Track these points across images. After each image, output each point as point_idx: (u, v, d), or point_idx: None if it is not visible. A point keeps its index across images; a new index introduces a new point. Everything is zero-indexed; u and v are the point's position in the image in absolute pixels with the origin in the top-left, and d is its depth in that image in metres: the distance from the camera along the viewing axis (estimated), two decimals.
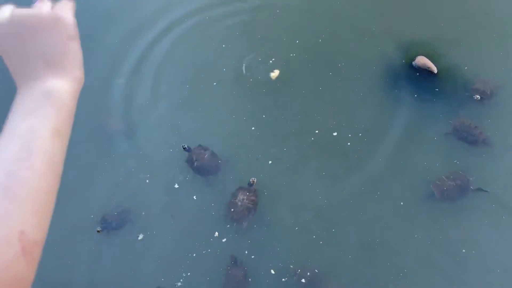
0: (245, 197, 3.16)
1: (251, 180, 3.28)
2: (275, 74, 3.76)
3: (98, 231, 3.24)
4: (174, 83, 3.89)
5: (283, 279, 3.09)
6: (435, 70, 3.76)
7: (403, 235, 3.18)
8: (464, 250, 3.08)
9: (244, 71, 3.79)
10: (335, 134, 3.58)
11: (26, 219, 0.54)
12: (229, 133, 3.63)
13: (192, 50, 4.04)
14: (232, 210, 3.13)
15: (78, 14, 0.71)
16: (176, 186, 3.44)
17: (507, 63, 3.84)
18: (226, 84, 3.86)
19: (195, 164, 3.33)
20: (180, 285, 3.10)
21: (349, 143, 3.54)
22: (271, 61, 3.94)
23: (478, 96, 3.60)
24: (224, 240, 3.19)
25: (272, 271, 3.11)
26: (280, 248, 3.18)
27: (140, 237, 3.27)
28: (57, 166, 0.60)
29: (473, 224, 3.18)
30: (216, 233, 3.24)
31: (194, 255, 3.20)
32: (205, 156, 3.34)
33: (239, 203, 3.13)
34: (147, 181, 3.47)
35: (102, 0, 4.48)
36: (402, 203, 3.27)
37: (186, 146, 3.41)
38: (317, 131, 3.59)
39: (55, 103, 0.62)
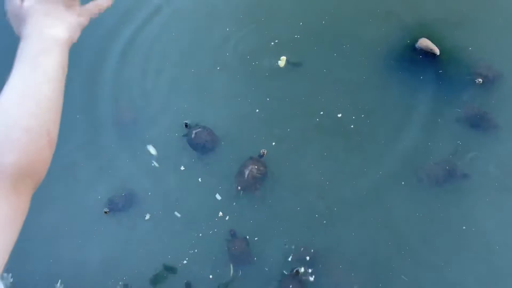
0: (254, 167, 3.31)
1: (261, 151, 3.40)
2: (282, 61, 3.81)
3: (105, 212, 3.39)
4: (179, 67, 3.98)
5: (288, 259, 3.24)
6: (437, 52, 3.80)
7: (405, 213, 3.29)
8: (464, 227, 3.19)
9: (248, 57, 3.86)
10: (339, 115, 3.67)
11: (50, 123, 0.84)
12: (233, 115, 3.73)
13: (195, 33, 4.12)
14: (241, 179, 3.27)
15: None
16: (182, 168, 3.56)
17: (511, 45, 3.87)
18: (230, 68, 3.94)
19: (192, 140, 3.46)
20: (186, 263, 3.27)
21: (352, 126, 3.63)
22: (272, 43, 4.00)
23: (480, 80, 3.66)
24: (227, 218, 3.34)
25: (276, 251, 3.25)
26: (283, 228, 3.32)
27: (147, 217, 3.42)
28: (63, 86, 0.87)
29: (474, 203, 3.28)
30: (220, 213, 3.39)
31: (200, 234, 3.35)
32: (203, 133, 3.47)
33: (248, 173, 3.27)
34: (153, 164, 3.59)
35: None
36: (403, 183, 3.38)
37: (188, 123, 3.54)
38: (321, 113, 3.68)
39: (60, 46, 0.87)
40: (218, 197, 3.39)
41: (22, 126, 0.78)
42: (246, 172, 3.28)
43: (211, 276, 3.22)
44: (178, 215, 3.42)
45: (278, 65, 3.85)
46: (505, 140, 3.51)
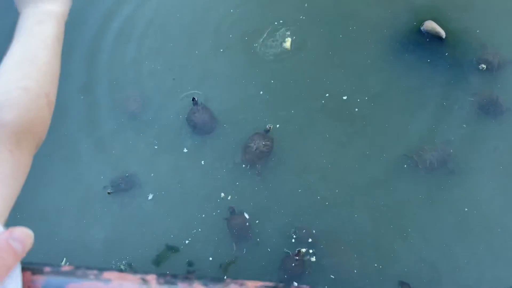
0: (261, 142, 3.38)
1: (267, 126, 3.46)
2: (288, 42, 3.81)
3: (108, 193, 3.46)
4: (183, 49, 3.99)
5: (292, 240, 3.31)
6: (443, 34, 3.78)
7: (407, 196, 3.34)
8: (466, 209, 3.24)
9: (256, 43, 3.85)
10: (344, 98, 3.69)
11: (49, 85, 0.90)
12: (237, 97, 3.76)
13: (199, 14, 4.12)
14: (247, 152, 3.35)
15: None
16: (185, 150, 3.61)
17: None
18: (234, 49, 3.95)
19: (193, 121, 3.53)
20: (188, 243, 3.33)
21: (357, 109, 3.65)
22: (276, 23, 4.00)
23: (483, 66, 3.65)
24: (229, 198, 3.41)
25: (278, 232, 3.32)
26: (285, 210, 3.38)
27: (150, 197, 3.49)
28: (59, 54, 0.94)
29: (478, 185, 3.33)
30: (222, 194, 3.44)
31: (203, 215, 3.41)
32: (203, 115, 3.52)
33: (255, 147, 3.35)
34: (156, 147, 3.64)
35: None
36: (405, 166, 3.42)
37: (196, 98, 3.57)
38: (327, 95, 3.70)
39: (55, 18, 0.95)
40: (221, 192, 3.43)
41: (21, 86, 0.84)
42: (254, 146, 3.35)
43: (211, 258, 3.30)
44: (180, 195, 3.48)
45: (284, 47, 3.85)
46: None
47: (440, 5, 3.97)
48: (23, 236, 0.71)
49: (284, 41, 3.86)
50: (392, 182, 3.40)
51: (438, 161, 3.32)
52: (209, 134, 3.54)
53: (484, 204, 3.25)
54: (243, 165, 3.44)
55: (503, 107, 3.54)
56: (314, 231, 3.28)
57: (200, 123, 3.49)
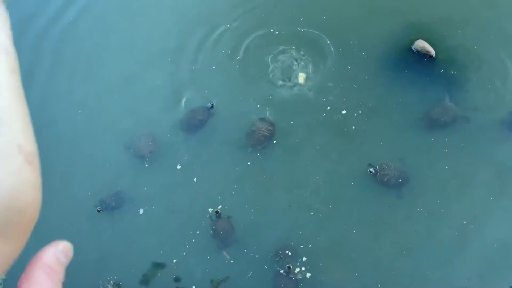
0: (263, 126, 3.69)
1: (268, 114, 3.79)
2: (301, 77, 3.97)
3: (98, 211, 3.58)
4: (183, 64, 4.16)
5: (281, 257, 3.38)
6: (433, 53, 3.96)
7: (405, 211, 3.45)
8: (465, 222, 3.36)
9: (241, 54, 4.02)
10: (344, 112, 3.84)
11: (19, 135, 0.66)
12: (236, 112, 3.90)
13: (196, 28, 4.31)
14: (251, 136, 3.67)
15: None
16: (179, 167, 3.72)
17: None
18: (234, 63, 4.12)
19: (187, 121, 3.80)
20: (175, 262, 3.42)
21: (354, 127, 3.77)
22: (276, 32, 4.21)
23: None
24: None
25: (271, 250, 3.40)
26: (278, 224, 3.47)
27: (141, 211, 3.60)
28: (20, 89, 0.73)
29: (476, 198, 3.44)
30: (210, 209, 3.55)
31: (193, 232, 3.51)
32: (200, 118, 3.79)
33: (258, 131, 3.67)
34: (146, 165, 3.74)
35: None
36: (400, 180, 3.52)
37: (211, 104, 3.81)
38: (328, 108, 3.86)
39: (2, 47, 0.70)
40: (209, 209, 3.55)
41: None
42: (257, 131, 3.66)
43: (201, 275, 3.38)
44: (171, 213, 3.58)
45: (299, 82, 3.99)
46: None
47: (436, 21, 4.16)
48: (67, 249, 0.70)
49: (299, 76, 4.01)
50: (390, 197, 3.50)
51: (396, 178, 3.47)
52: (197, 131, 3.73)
53: (481, 218, 3.36)
54: (251, 148, 3.69)
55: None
56: (310, 245, 3.37)
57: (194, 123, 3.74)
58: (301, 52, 4.10)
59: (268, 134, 3.69)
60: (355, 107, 3.84)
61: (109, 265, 3.46)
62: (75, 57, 4.24)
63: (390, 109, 3.84)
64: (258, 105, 3.90)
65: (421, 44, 4.01)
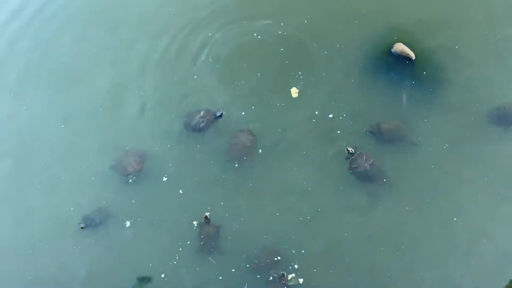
0: (244, 137, 3.77)
1: (252, 126, 3.88)
2: (294, 92, 4.03)
3: (82, 228, 3.58)
4: (171, 75, 4.22)
5: (277, 258, 3.41)
6: (413, 56, 4.07)
7: (395, 212, 3.50)
8: (455, 219, 3.44)
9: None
10: (330, 116, 3.91)
11: None
12: (222, 120, 3.96)
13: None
14: (233, 148, 3.73)
15: None
16: (165, 179, 3.74)
17: (492, 43, 4.15)
18: (216, 71, 4.18)
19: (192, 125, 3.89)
20: (164, 276, 3.41)
21: (339, 131, 3.85)
22: (259, 36, 4.30)
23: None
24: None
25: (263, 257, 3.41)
26: (267, 236, 3.49)
27: (128, 224, 3.60)
28: None
29: (464, 195, 3.53)
30: (195, 222, 3.57)
31: (188, 242, 3.52)
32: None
33: (240, 142, 3.74)
34: (130, 181, 3.74)
35: None
36: (385, 180, 3.61)
37: (221, 113, 3.92)
38: (317, 113, 3.93)
39: None
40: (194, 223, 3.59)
41: None
42: (239, 142, 3.74)
43: (192, 286, 3.40)
44: (157, 225, 3.60)
45: (292, 96, 4.04)
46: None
47: (416, 23, 4.26)
48: None
49: (291, 91, 4.07)
50: (380, 200, 3.57)
51: (367, 172, 3.58)
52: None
53: (470, 214, 3.45)
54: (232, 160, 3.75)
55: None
56: (302, 251, 3.40)
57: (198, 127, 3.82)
58: (286, 61, 4.18)
59: (249, 144, 3.76)
60: (340, 110, 3.93)
61: (97, 282, 3.45)
62: (57, 71, 4.27)
63: (374, 112, 3.91)
64: (243, 113, 3.95)
65: (400, 47, 4.11)
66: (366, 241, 3.45)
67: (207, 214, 3.52)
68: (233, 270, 3.43)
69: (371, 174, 3.58)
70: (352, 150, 3.67)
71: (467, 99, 3.90)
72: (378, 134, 3.74)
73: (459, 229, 3.42)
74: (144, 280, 3.42)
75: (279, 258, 3.40)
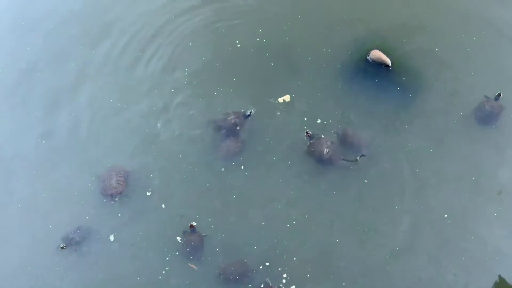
0: (232, 144, 3.91)
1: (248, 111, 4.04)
2: (287, 98, 4.13)
3: (62, 248, 3.53)
4: (155, 90, 4.26)
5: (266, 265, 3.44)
6: (389, 63, 4.21)
7: (386, 214, 3.59)
8: (446, 215, 3.57)
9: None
10: (318, 121, 4.02)
11: None
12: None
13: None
14: (222, 148, 3.88)
15: None
16: (148, 194, 3.75)
17: (468, 44, 4.37)
18: (198, 84, 4.24)
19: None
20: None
21: (323, 135, 3.94)
22: (239, 45, 4.42)
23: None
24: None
25: (254, 265, 3.44)
26: (257, 245, 3.51)
27: (112, 238, 3.58)
28: None
29: (453, 194, 3.67)
30: (178, 238, 3.57)
31: (177, 253, 3.51)
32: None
33: (227, 147, 3.88)
34: (117, 199, 3.72)
35: None
36: (366, 180, 3.74)
37: (250, 112, 4.01)
38: (305, 119, 4.03)
39: None
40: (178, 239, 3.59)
41: None
42: (229, 121, 3.93)
43: None
44: (141, 239, 3.59)
45: (285, 101, 4.14)
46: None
47: (395, 28, 4.46)
48: None
49: (284, 98, 4.16)
50: (370, 201, 3.67)
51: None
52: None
53: (458, 212, 3.58)
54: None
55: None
56: (294, 259, 3.44)
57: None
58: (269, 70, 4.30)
59: (236, 150, 3.90)
60: (327, 116, 4.04)
61: None
62: (36, 87, 4.28)
63: (360, 117, 4.04)
64: (233, 120, 4.02)
65: (376, 54, 4.24)
66: (359, 245, 3.51)
67: (193, 223, 3.54)
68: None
69: (329, 156, 3.77)
70: (310, 133, 3.88)
71: (449, 101, 4.06)
72: (342, 137, 3.91)
73: (449, 228, 3.53)
74: None
75: (253, 271, 3.44)
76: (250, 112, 4.03)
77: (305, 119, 4.02)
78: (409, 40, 4.39)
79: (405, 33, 4.43)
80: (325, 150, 3.77)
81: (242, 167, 3.82)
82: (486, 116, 3.95)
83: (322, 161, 3.79)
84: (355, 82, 4.19)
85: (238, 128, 3.95)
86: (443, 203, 3.63)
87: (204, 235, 3.55)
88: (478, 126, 3.96)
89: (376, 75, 4.21)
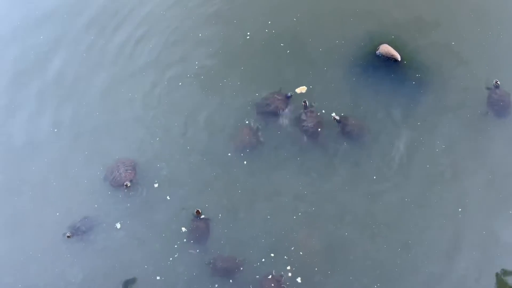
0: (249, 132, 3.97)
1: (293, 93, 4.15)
2: (303, 89, 4.20)
3: (68, 237, 3.64)
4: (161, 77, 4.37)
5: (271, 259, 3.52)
6: (398, 57, 4.21)
7: (397, 208, 3.64)
8: (460, 209, 3.60)
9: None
10: (333, 114, 4.04)
11: None
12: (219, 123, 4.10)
13: None
14: (237, 139, 3.96)
15: None
16: (156, 185, 3.84)
17: (484, 38, 4.35)
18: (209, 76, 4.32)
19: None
20: (159, 278, 3.50)
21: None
22: (248, 37, 4.48)
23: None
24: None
25: (259, 254, 3.53)
26: (265, 237, 3.59)
27: (118, 226, 3.69)
28: None
29: (467, 189, 3.68)
30: (183, 228, 3.67)
31: (184, 242, 3.62)
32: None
33: (245, 136, 3.96)
34: (129, 186, 3.81)
35: None
36: (375, 177, 3.78)
37: (292, 93, 4.10)
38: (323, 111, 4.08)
39: None
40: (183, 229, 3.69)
41: None
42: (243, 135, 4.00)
43: None
44: (148, 227, 3.69)
45: (302, 93, 4.20)
46: None
47: (410, 21, 4.46)
48: None
49: (301, 89, 4.23)
50: (381, 195, 3.71)
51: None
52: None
53: (471, 207, 3.60)
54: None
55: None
56: (300, 255, 3.51)
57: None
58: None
59: (254, 140, 3.97)
60: (342, 110, 4.07)
61: (94, 287, 3.52)
62: (49, 76, 4.40)
63: (373, 111, 4.07)
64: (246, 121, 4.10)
65: (385, 49, 4.26)
66: (369, 239, 3.55)
67: (198, 209, 3.65)
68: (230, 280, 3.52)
69: (314, 130, 3.92)
70: (308, 103, 4.01)
71: (464, 96, 4.06)
72: (342, 125, 3.96)
73: (460, 222, 3.56)
74: (140, 281, 3.51)
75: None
76: (291, 94, 4.12)
77: (323, 111, 4.06)
78: (424, 34, 4.40)
79: (419, 27, 4.43)
80: (310, 122, 3.89)
81: (250, 160, 3.89)
82: (499, 107, 3.97)
83: (308, 134, 3.92)
84: (370, 76, 4.22)
85: (281, 111, 4.03)
86: (456, 198, 3.66)
87: (208, 219, 3.65)
88: (494, 119, 3.97)
89: (390, 69, 4.23)
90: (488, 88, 4.06)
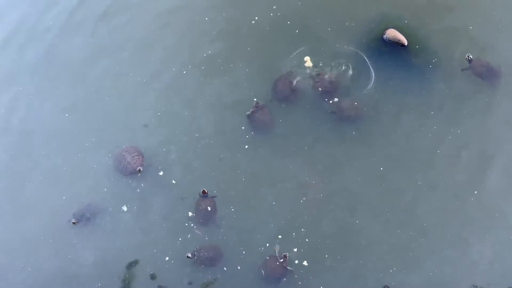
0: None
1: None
2: (308, 61, 4.24)
3: (73, 223, 3.74)
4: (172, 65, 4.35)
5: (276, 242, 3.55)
6: (405, 42, 4.21)
7: (411, 191, 3.65)
8: (476, 192, 3.61)
9: None
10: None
11: None
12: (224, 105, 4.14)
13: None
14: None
15: None
16: (161, 173, 3.89)
17: (500, 23, 4.29)
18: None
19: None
20: (168, 259, 3.58)
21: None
22: (253, 22, 4.50)
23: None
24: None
25: (266, 238, 3.57)
26: (274, 222, 3.64)
27: (125, 209, 3.78)
28: None
29: (481, 170, 3.68)
30: (190, 213, 3.74)
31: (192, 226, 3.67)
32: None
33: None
34: (141, 170, 3.88)
35: None
36: (386, 162, 3.76)
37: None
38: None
39: None
40: (190, 213, 3.76)
41: None
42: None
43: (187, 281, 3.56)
44: (154, 212, 3.76)
45: (306, 66, 4.25)
46: None
47: (423, 4, 4.41)
48: None
49: (305, 61, 4.28)
50: (394, 181, 3.71)
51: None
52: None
53: (484, 190, 3.61)
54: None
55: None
56: (307, 240, 3.55)
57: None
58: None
59: (268, 123, 4.02)
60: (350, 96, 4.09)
61: (105, 268, 3.61)
62: (60, 61, 4.48)
63: (385, 97, 4.06)
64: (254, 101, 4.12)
65: (392, 33, 4.26)
66: (382, 224, 3.58)
67: (204, 189, 3.74)
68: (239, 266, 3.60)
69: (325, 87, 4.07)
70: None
71: (477, 82, 4.00)
72: (339, 112, 4.01)
73: (473, 205, 3.59)
74: (150, 262, 3.60)
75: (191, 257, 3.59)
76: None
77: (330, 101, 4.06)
78: (437, 19, 4.36)
79: (432, 11, 4.39)
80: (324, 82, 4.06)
81: (259, 147, 3.92)
82: (486, 74, 4.02)
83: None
84: (380, 60, 4.21)
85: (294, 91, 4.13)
86: (470, 181, 3.67)
87: (214, 197, 3.75)
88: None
89: (399, 53, 4.21)
90: (465, 69, 4.05)
